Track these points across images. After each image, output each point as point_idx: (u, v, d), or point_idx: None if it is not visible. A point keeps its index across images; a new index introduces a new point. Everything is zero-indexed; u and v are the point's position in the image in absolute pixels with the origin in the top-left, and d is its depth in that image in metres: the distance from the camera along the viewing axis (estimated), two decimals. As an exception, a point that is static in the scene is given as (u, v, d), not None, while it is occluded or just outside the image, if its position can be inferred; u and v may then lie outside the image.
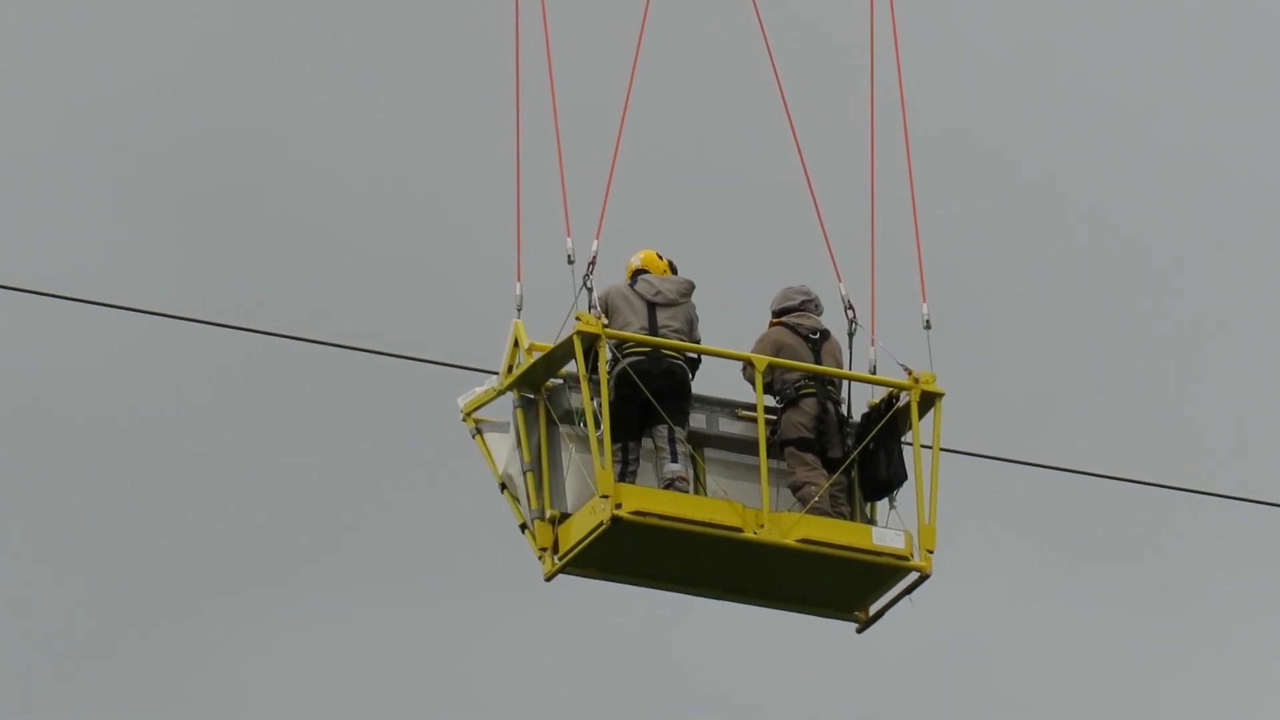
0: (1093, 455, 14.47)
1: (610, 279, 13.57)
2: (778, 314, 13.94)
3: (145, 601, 28.17)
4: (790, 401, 13.64)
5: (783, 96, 13.68)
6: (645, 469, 13.36)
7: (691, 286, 13.78)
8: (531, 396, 13.47)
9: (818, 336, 13.84)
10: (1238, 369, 29.43)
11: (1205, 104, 30.72)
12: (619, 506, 12.75)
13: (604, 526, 12.79)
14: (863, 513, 13.79)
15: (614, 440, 13.08)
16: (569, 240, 13.10)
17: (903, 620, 13.77)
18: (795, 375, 13.64)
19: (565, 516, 13.22)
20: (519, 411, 13.45)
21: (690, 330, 13.65)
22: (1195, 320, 29.57)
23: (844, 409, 13.82)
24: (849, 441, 13.70)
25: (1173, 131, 30.46)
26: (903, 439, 13.71)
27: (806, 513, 13.25)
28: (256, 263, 28.09)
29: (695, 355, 13.54)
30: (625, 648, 25.86)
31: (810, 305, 13.97)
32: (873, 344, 14.03)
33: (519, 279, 13.33)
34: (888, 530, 13.52)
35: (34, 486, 27.86)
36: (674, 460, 13.29)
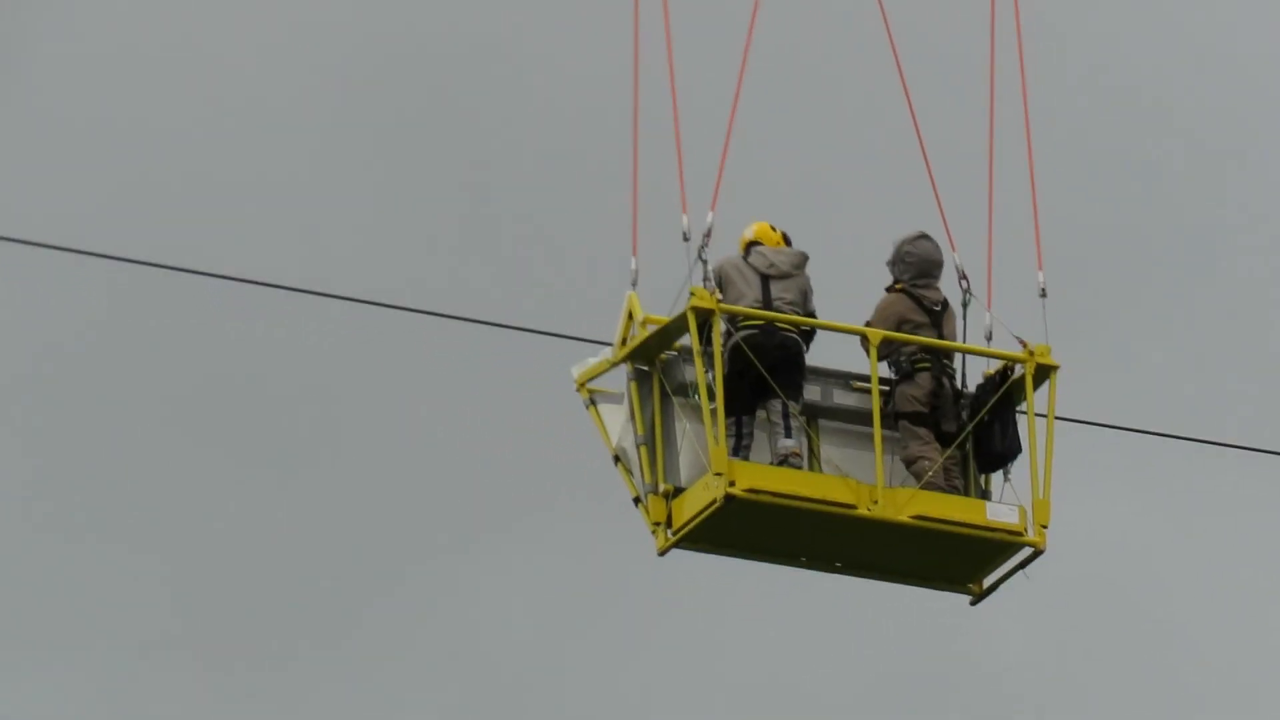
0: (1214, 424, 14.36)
1: (724, 251, 13.58)
2: (903, 275, 13.80)
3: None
4: (905, 375, 13.61)
5: (898, 63, 13.57)
6: (759, 442, 13.38)
7: (805, 258, 13.73)
8: (646, 369, 13.51)
9: (939, 308, 13.77)
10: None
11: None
12: (733, 484, 12.81)
13: (718, 504, 12.84)
14: (977, 486, 13.77)
15: (728, 415, 13.11)
16: (684, 218, 13.10)
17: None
18: (911, 348, 13.60)
19: (679, 491, 13.29)
20: (633, 384, 13.48)
21: (804, 302, 13.62)
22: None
23: (959, 382, 13.79)
24: (964, 415, 13.66)
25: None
26: (1017, 411, 13.70)
27: (920, 488, 13.28)
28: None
29: (809, 328, 13.54)
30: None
31: (937, 272, 13.83)
32: (989, 310, 14.00)
33: (634, 253, 13.35)
34: (1002, 505, 13.49)
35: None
36: (788, 435, 13.30)
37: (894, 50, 13.66)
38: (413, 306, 13.66)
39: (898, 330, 13.55)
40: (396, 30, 30.10)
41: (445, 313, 13.57)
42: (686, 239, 13.19)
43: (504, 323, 13.41)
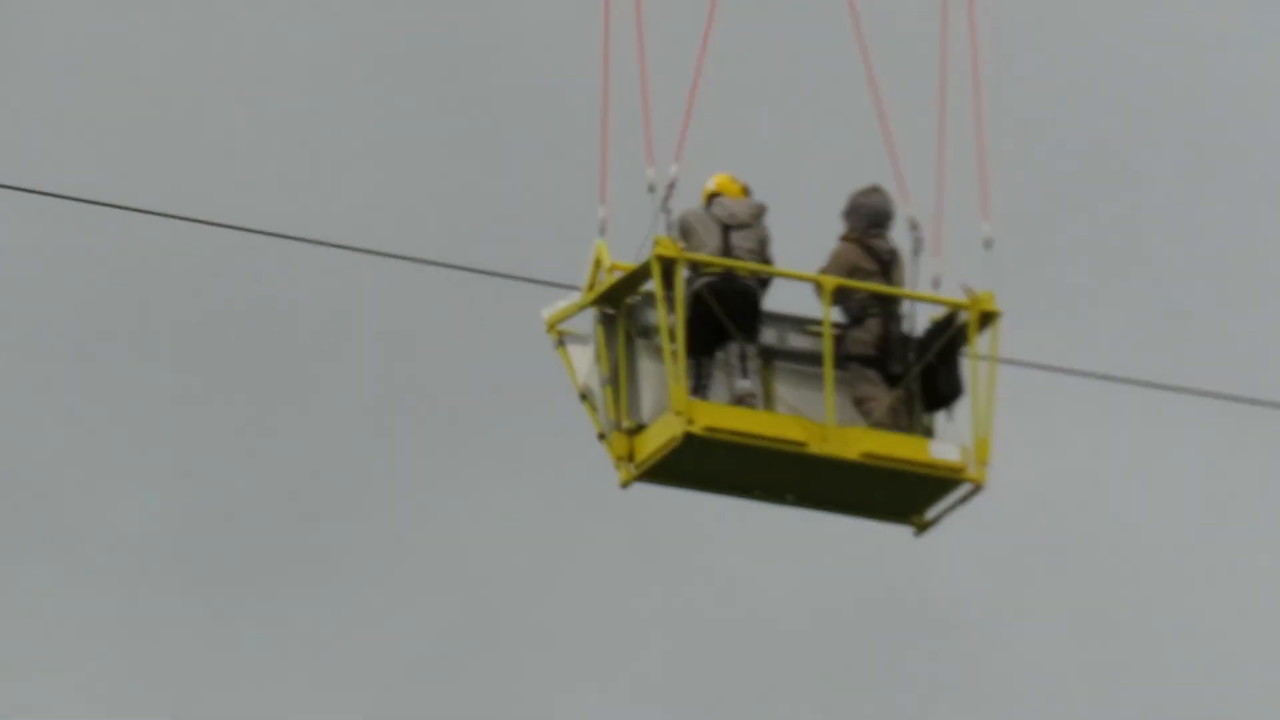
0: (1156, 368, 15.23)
1: (688, 202, 14.37)
2: (855, 226, 14.61)
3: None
4: (856, 320, 14.42)
5: (856, 28, 14.30)
6: (718, 382, 14.19)
7: (764, 209, 14.52)
8: (612, 313, 14.29)
9: (889, 258, 14.57)
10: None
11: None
12: (691, 422, 13.63)
13: (677, 441, 13.67)
14: (922, 425, 14.62)
15: (688, 356, 13.91)
16: (650, 170, 13.87)
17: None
18: (862, 295, 14.41)
19: (641, 427, 14.12)
20: (599, 327, 14.28)
21: (762, 250, 14.41)
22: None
23: (906, 327, 14.61)
24: (910, 358, 14.48)
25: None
26: (961, 354, 14.53)
27: (868, 427, 14.13)
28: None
29: (767, 276, 14.35)
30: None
31: (888, 222, 14.63)
32: (936, 259, 14.79)
33: (602, 201, 14.13)
34: (944, 444, 14.34)
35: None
36: (744, 376, 14.12)
37: (853, 11, 14.40)
38: (394, 253, 14.48)
39: (850, 278, 14.36)
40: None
41: (423, 258, 14.38)
42: (652, 190, 13.97)
43: (478, 267, 14.22)
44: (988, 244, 14.50)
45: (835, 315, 14.36)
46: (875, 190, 14.52)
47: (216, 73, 31.34)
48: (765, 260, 14.38)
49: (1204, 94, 30.70)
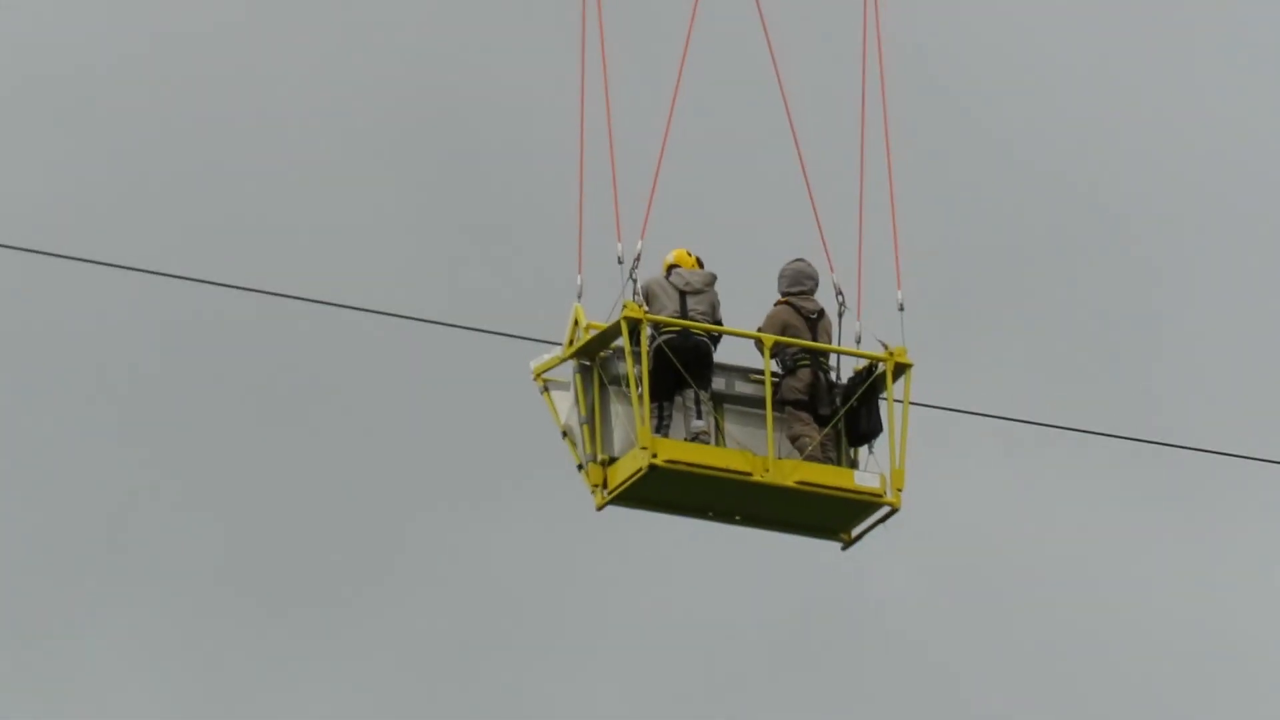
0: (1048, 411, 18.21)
1: (650, 271, 17.20)
2: (785, 294, 17.50)
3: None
4: (789, 370, 17.26)
5: (792, 127, 17.17)
6: (676, 422, 16.94)
7: (714, 278, 17.35)
8: (588, 364, 17.08)
9: (815, 316, 17.41)
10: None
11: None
12: (655, 456, 16.42)
13: (643, 471, 16.45)
14: (848, 457, 17.44)
15: (652, 400, 16.68)
16: (619, 245, 16.71)
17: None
18: (794, 349, 17.25)
19: (613, 460, 16.90)
20: (577, 376, 17.05)
21: (713, 312, 17.22)
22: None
23: (833, 375, 17.46)
24: (837, 401, 17.31)
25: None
26: (880, 398, 17.37)
27: (802, 459, 16.96)
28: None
29: (717, 333, 17.18)
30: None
31: (811, 287, 17.51)
32: (858, 320, 17.65)
33: (579, 271, 16.96)
34: (866, 474, 17.15)
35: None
36: (699, 417, 16.91)
37: (789, 116, 17.26)
38: (399, 313, 17.25)
39: (783, 334, 17.22)
40: (360, 56, 34.61)
41: (429, 318, 17.14)
42: (621, 262, 16.81)
43: (478, 327, 17.03)
44: (900, 307, 17.35)
45: (773, 366, 17.22)
46: (799, 259, 17.41)
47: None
48: (715, 320, 17.18)
49: (1089, 176, 34.92)
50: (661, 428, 16.79)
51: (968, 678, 33.27)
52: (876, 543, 17.59)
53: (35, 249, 16.28)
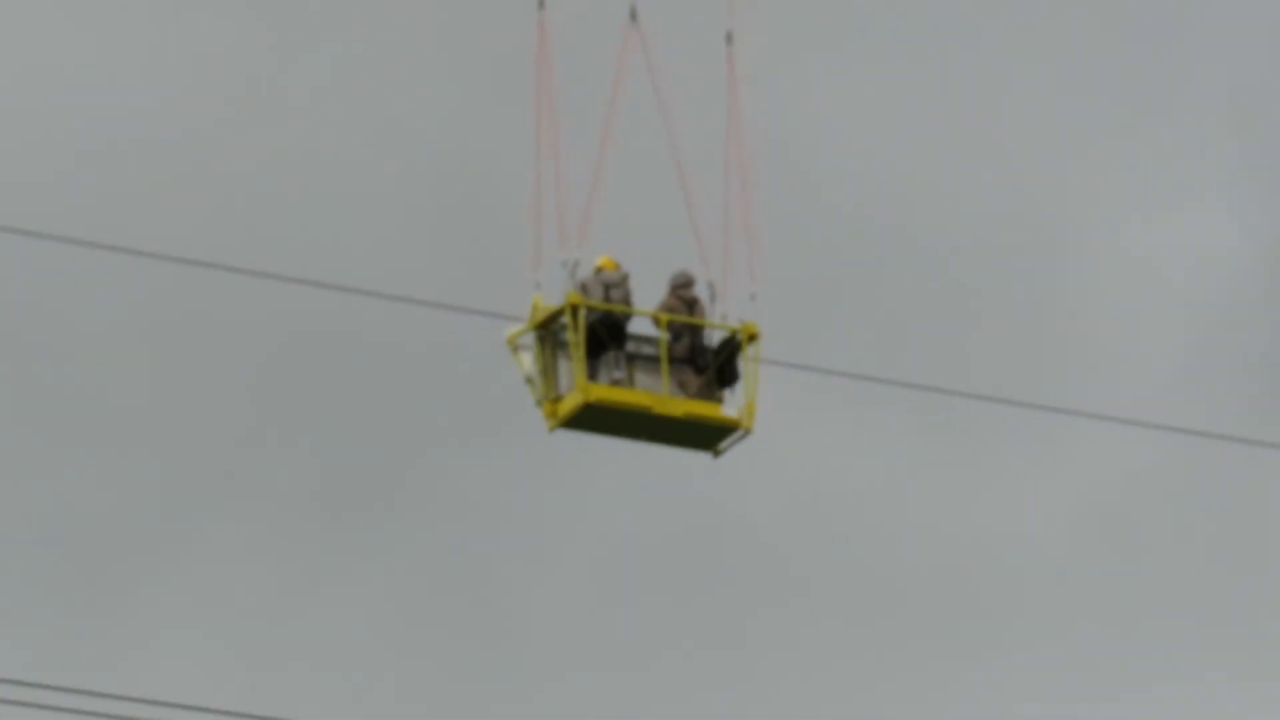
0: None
1: (585, 272, 25.60)
2: (673, 288, 25.94)
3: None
4: (676, 337, 25.71)
5: (677, 161, 25.59)
6: (602, 373, 25.41)
7: (628, 276, 25.72)
8: (544, 334, 25.47)
9: (692, 303, 25.85)
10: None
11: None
12: (588, 394, 24.85)
13: (580, 405, 24.89)
14: (716, 397, 25.92)
15: (586, 358, 25.14)
16: (563, 254, 25.09)
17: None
18: (679, 324, 25.70)
19: (560, 398, 25.31)
20: (537, 342, 25.44)
21: (628, 299, 25.62)
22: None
23: (706, 341, 25.93)
24: (709, 358, 25.78)
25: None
26: (739, 356, 25.85)
27: (687, 398, 25.44)
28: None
29: (628, 314, 25.61)
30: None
31: (690, 282, 25.96)
32: (724, 302, 26.20)
33: (535, 271, 25.35)
34: (729, 407, 25.66)
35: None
36: (618, 369, 25.37)
37: (680, 172, 25.67)
38: (403, 296, 25.61)
39: (672, 313, 25.68)
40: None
41: (429, 300, 25.52)
42: (564, 265, 25.23)
43: (473, 308, 25.40)
44: (753, 296, 25.84)
45: (665, 335, 25.69)
46: (682, 270, 25.87)
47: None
48: (628, 304, 25.66)
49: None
50: (592, 376, 25.21)
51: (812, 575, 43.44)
52: (736, 458, 26.20)
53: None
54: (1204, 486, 45.73)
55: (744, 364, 25.73)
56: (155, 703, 21.09)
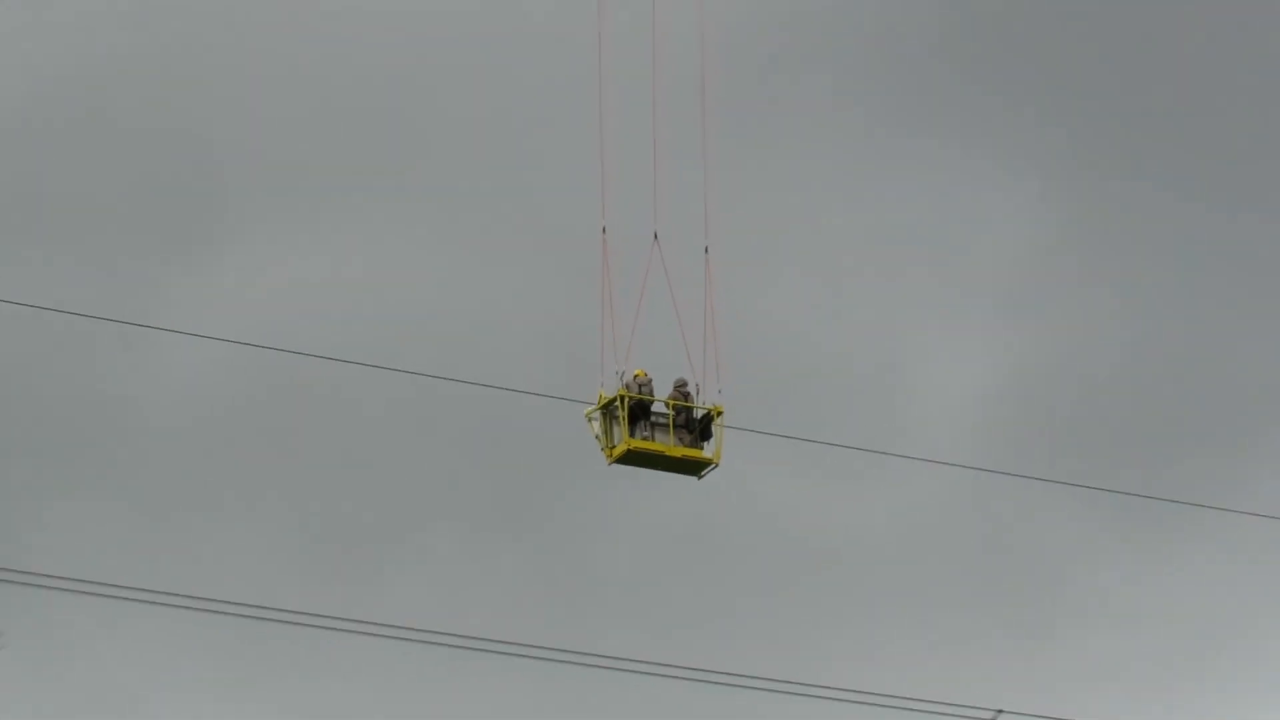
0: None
1: (627, 377, 46.56)
2: (675, 386, 47.05)
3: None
4: (677, 413, 46.90)
5: (681, 329, 46.61)
6: (636, 432, 46.47)
7: (650, 380, 46.80)
8: (604, 411, 46.56)
9: (684, 394, 47.00)
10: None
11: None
12: (629, 445, 46.04)
13: (625, 450, 46.09)
14: (699, 445, 47.09)
15: (628, 424, 46.24)
16: (616, 369, 46.06)
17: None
18: (677, 405, 46.82)
19: (614, 446, 46.40)
20: (601, 415, 46.53)
21: (651, 393, 46.67)
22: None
23: (694, 415, 47.08)
24: (695, 425, 46.97)
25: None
26: (714, 424, 46.97)
27: (684, 446, 46.66)
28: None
29: (651, 401, 46.67)
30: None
31: (685, 385, 47.09)
32: (702, 395, 47.26)
33: (601, 386, 46.28)
34: (706, 451, 46.90)
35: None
36: (644, 430, 46.49)
37: (680, 327, 46.70)
38: (541, 392, 46.56)
39: (675, 400, 46.83)
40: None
41: (516, 389, 46.45)
42: (617, 374, 46.27)
43: (568, 397, 46.32)
44: (720, 391, 46.89)
45: (670, 411, 46.83)
46: (681, 377, 47.06)
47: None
48: (651, 396, 46.69)
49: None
50: (632, 434, 46.35)
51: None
52: (709, 480, 47.31)
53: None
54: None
55: (715, 428, 46.79)
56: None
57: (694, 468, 46.95)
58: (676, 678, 42.51)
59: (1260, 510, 55.18)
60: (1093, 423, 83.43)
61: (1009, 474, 52.33)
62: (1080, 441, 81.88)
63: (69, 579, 36.83)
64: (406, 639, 40.35)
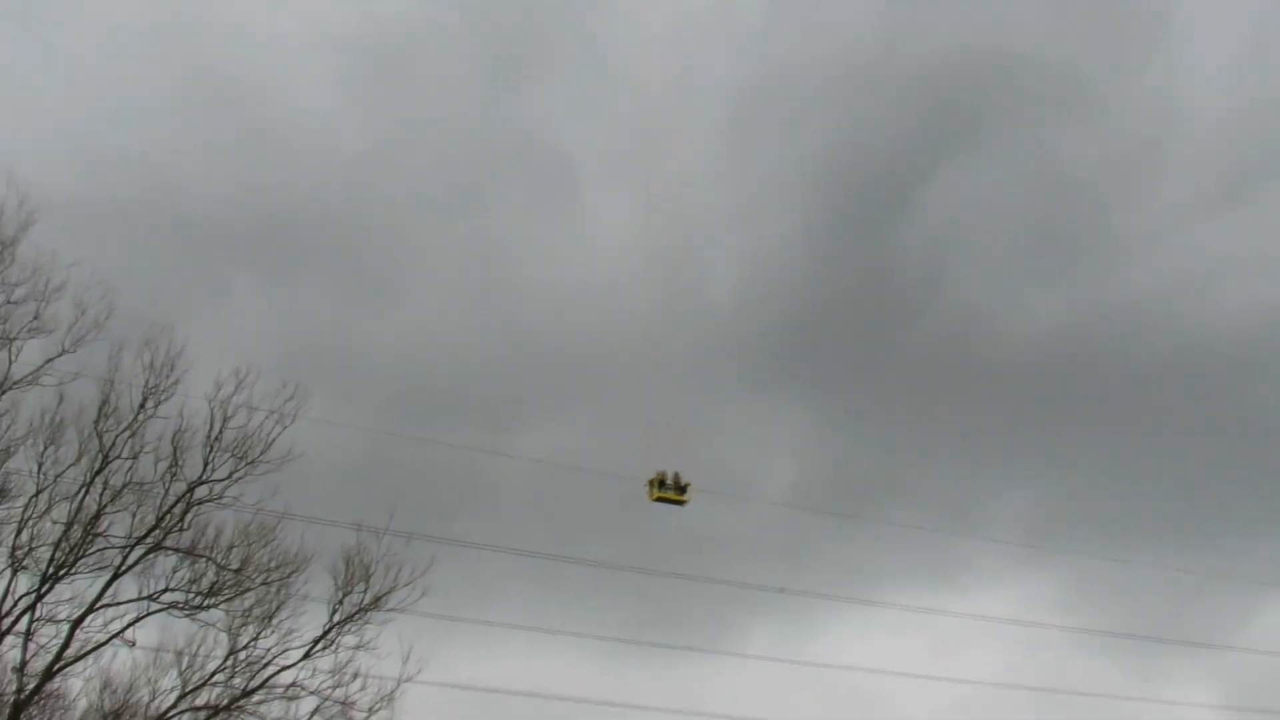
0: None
1: (662, 471, 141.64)
2: (673, 476, 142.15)
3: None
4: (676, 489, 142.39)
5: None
6: (658, 491, 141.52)
7: (675, 472, 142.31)
8: (651, 483, 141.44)
9: (677, 478, 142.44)
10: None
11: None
12: (660, 495, 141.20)
13: (655, 497, 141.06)
14: (683, 495, 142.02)
15: (658, 488, 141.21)
16: (661, 468, 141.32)
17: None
18: (672, 481, 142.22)
19: (655, 499, 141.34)
20: (650, 485, 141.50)
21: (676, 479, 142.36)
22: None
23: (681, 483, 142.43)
24: (682, 490, 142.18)
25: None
26: (687, 490, 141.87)
27: (682, 497, 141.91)
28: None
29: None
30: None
31: (676, 477, 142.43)
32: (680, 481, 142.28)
33: (649, 473, 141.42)
34: (686, 496, 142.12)
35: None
36: (663, 489, 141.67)
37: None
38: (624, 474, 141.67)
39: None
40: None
41: (626, 475, 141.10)
42: (657, 471, 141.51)
43: (635, 476, 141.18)
44: (689, 481, 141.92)
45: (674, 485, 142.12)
46: (675, 470, 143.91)
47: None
48: (678, 480, 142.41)
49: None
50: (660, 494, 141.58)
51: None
52: (690, 507, 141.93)
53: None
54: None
55: (689, 490, 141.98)
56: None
57: (680, 502, 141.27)
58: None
59: None
60: None
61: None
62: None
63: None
64: None
